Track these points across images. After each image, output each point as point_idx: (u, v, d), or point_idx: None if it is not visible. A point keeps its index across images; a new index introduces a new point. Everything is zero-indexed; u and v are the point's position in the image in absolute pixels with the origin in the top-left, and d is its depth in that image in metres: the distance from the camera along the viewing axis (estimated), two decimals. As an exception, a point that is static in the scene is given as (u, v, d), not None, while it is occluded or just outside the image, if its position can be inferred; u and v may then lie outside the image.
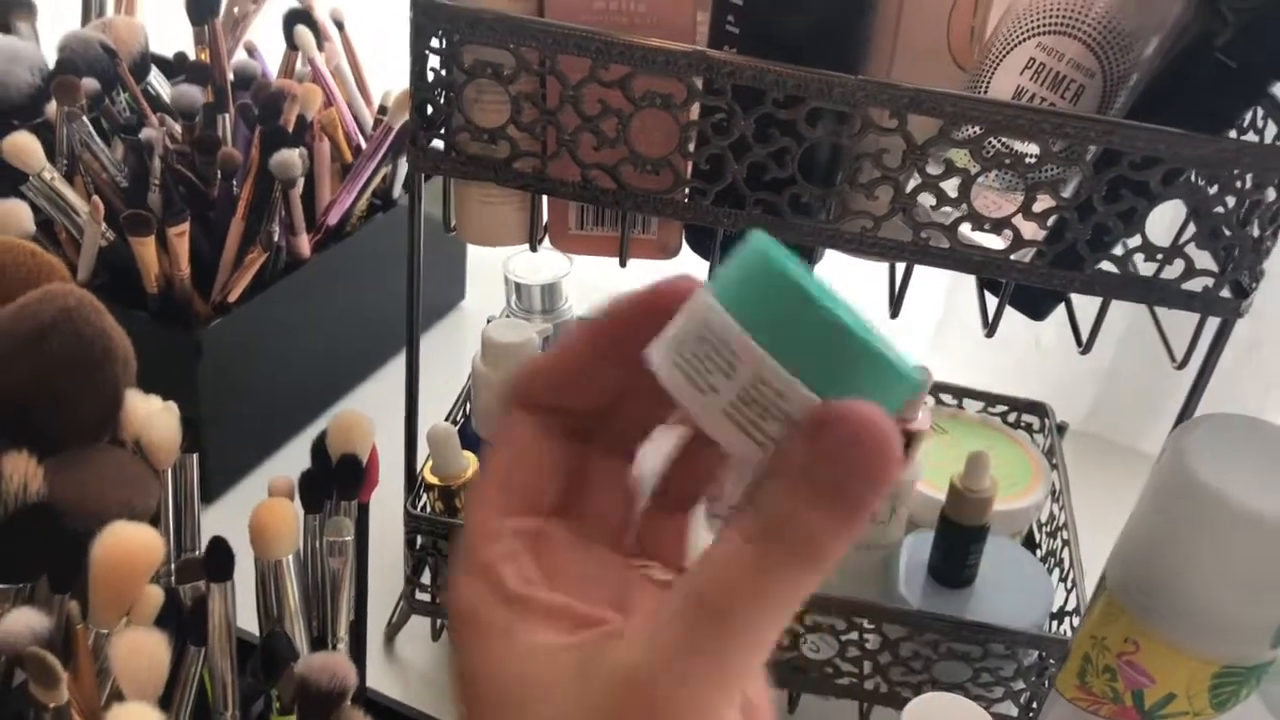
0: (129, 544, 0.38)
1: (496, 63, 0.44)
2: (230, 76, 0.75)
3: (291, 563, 0.43)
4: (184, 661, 0.39)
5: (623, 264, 0.49)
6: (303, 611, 0.44)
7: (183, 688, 0.39)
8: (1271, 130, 0.46)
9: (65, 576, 0.39)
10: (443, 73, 0.45)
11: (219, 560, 0.39)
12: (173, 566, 0.44)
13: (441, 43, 0.44)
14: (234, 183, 0.67)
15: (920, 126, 0.43)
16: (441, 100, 0.45)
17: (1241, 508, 0.36)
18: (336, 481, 0.44)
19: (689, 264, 0.51)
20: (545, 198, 0.49)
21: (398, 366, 0.81)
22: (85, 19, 0.83)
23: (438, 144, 0.47)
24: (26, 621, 0.36)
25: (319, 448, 0.46)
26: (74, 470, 0.44)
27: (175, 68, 0.78)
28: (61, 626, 0.38)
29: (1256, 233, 0.44)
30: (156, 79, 0.78)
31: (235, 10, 0.82)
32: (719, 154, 0.44)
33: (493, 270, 0.71)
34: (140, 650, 0.36)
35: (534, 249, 0.50)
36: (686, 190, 0.46)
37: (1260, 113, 0.47)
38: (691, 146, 0.44)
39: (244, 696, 0.41)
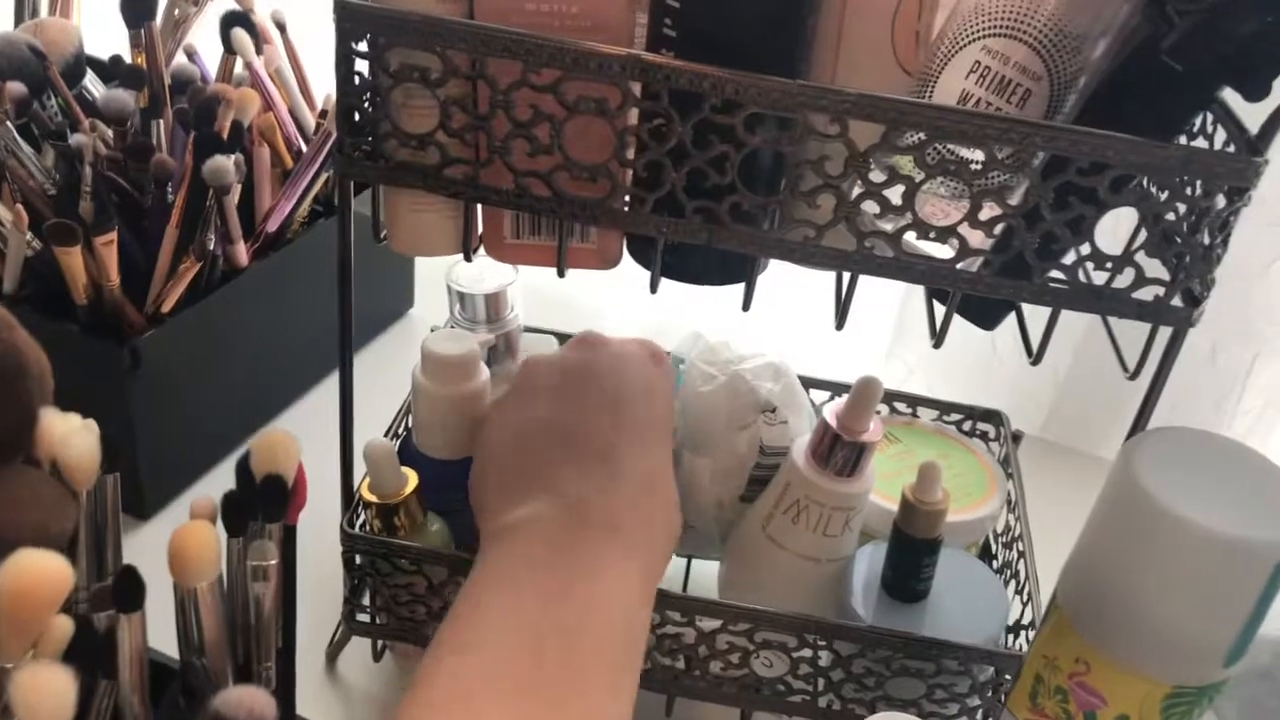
0: (35, 572, 0.36)
1: (424, 66, 0.42)
2: (168, 80, 0.73)
3: (211, 589, 0.41)
4: (95, 695, 0.37)
5: (561, 274, 0.48)
6: (226, 639, 0.42)
7: (93, 722, 0.37)
8: (1221, 136, 0.45)
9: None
10: (368, 77, 0.43)
11: (128, 589, 0.37)
12: (89, 592, 0.42)
13: (368, 46, 0.43)
14: (169, 190, 0.65)
15: (862, 132, 0.41)
16: (368, 105, 0.44)
17: (1192, 523, 0.35)
18: (261, 502, 0.43)
19: (629, 273, 0.49)
20: (479, 206, 0.47)
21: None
22: (18, 20, 0.80)
23: (366, 150, 0.45)
24: (-81, 658, 0.34)
25: (243, 468, 0.44)
26: (-18, 494, 0.42)
27: (111, 72, 0.75)
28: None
29: (1207, 240, 0.43)
30: (92, 82, 0.75)
31: (175, 13, 0.80)
32: (657, 161, 0.43)
33: (442, 278, 0.69)
34: (43, 687, 0.34)
35: (469, 259, 0.48)
36: (626, 198, 0.44)
37: (1210, 118, 0.46)
38: (629, 153, 0.43)
39: (157, 731, 0.39)
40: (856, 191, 0.43)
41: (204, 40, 0.80)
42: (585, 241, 0.48)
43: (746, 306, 0.47)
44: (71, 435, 0.44)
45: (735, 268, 0.47)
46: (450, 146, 0.44)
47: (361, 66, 0.43)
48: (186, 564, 0.40)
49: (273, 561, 0.42)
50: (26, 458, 0.45)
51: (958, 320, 0.49)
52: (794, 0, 0.43)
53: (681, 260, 0.47)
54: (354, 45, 0.43)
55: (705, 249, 0.45)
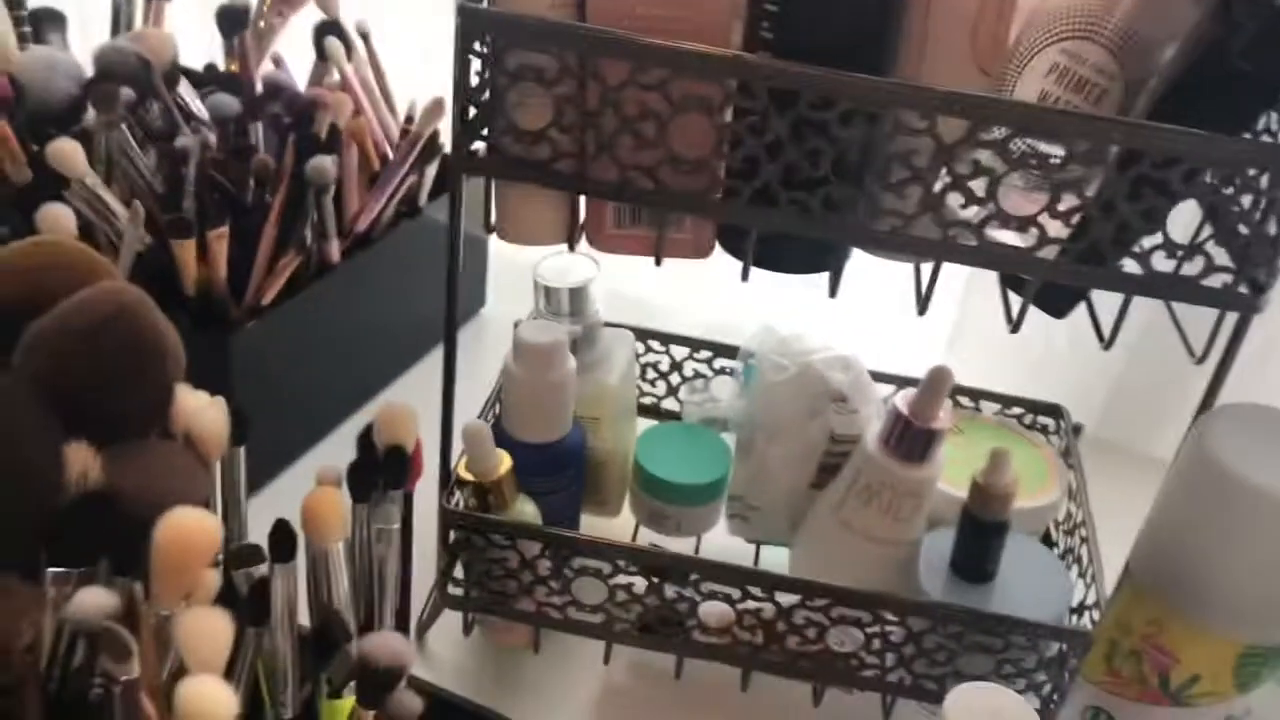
0: (190, 528, 0.40)
1: (539, 66, 0.45)
2: (259, 88, 0.76)
3: (341, 550, 0.44)
4: (241, 644, 0.41)
5: (658, 262, 0.51)
6: (351, 599, 0.45)
7: (240, 671, 0.41)
8: (1285, 133, 0.48)
9: (126, 560, 0.41)
10: (486, 76, 0.46)
11: (282, 542, 0.40)
12: (222, 555, 0.45)
13: (485, 47, 0.46)
14: (265, 190, 0.69)
15: (949, 128, 0.44)
16: (484, 104, 0.47)
17: (1262, 490, 0.38)
18: (383, 471, 0.46)
19: (721, 263, 0.52)
20: (583, 198, 0.50)
21: (424, 370, 0.83)
22: (115, 31, 0.84)
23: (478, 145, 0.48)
24: (96, 599, 0.37)
25: (365, 438, 0.47)
26: (129, 461, 0.45)
27: (204, 79, 0.79)
28: (125, 606, 0.39)
29: (1273, 230, 0.45)
30: (185, 90, 0.79)
31: (261, 24, 0.84)
32: (754, 154, 0.46)
33: (512, 278, 0.73)
34: (205, 627, 0.37)
35: (572, 248, 0.51)
36: (722, 190, 0.47)
37: (1276, 116, 0.49)
38: (727, 148, 0.46)
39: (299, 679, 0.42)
40: (941, 183, 0.45)
41: (284, 49, 0.84)
42: (681, 232, 0.51)
43: (833, 293, 0.50)
44: (203, 410, 0.48)
45: (821, 257, 0.50)
46: (561, 142, 0.47)
47: (477, 66, 0.47)
48: (320, 526, 0.43)
49: (395, 526, 0.45)
50: (163, 431, 0.49)
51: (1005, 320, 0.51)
52: (883, 7, 0.46)
53: (771, 250, 0.50)
54: (473, 46, 0.46)
55: (793, 239, 0.48)
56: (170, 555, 0.40)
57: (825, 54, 0.45)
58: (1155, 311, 0.52)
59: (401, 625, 0.47)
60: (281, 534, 0.40)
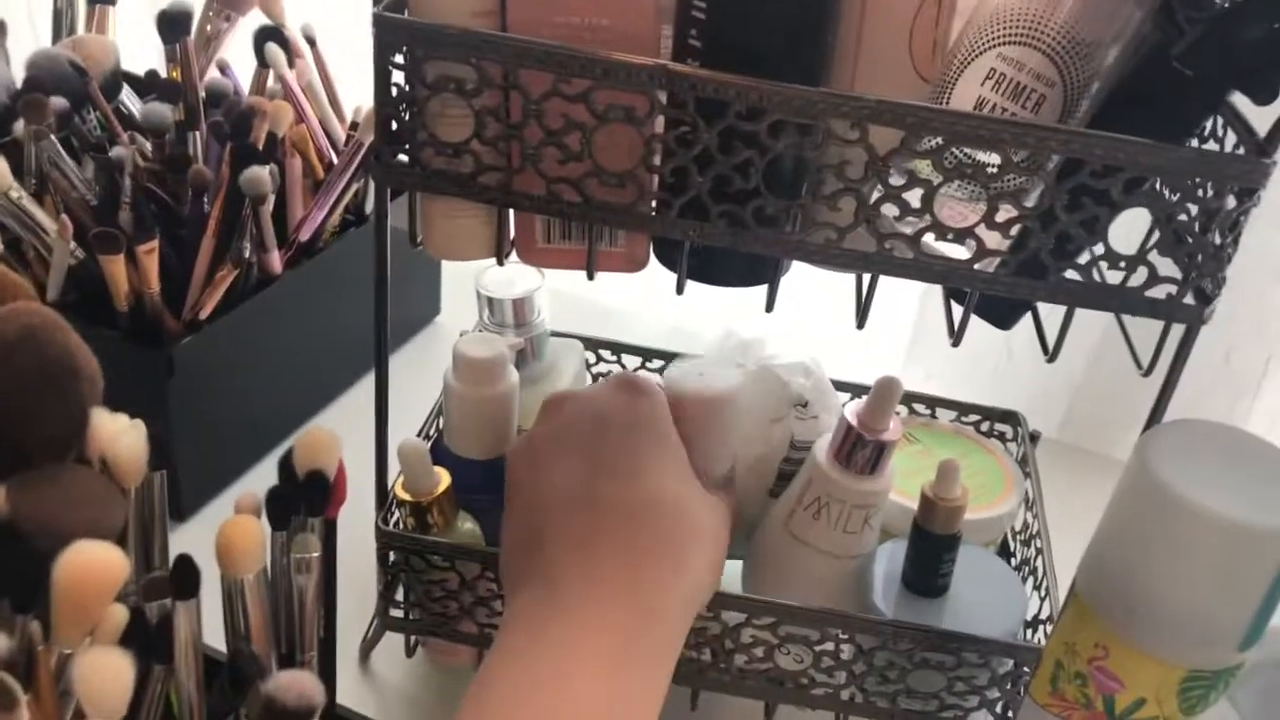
0: (92, 563, 0.38)
1: (459, 77, 0.44)
2: (202, 94, 0.75)
3: (257, 580, 0.43)
4: (149, 681, 0.39)
5: (590, 277, 0.49)
6: (270, 629, 0.44)
7: (148, 708, 0.39)
8: (1231, 139, 0.47)
9: (26, 597, 0.39)
10: (406, 88, 0.45)
11: (184, 577, 0.38)
12: (138, 585, 0.44)
13: (404, 58, 0.44)
14: (205, 200, 0.67)
15: (882, 138, 0.43)
16: (405, 115, 0.45)
17: (1206, 510, 0.37)
18: (303, 498, 0.44)
19: (651, 278, 0.51)
20: (511, 211, 0.49)
21: (372, 382, 0.81)
22: (56, 37, 0.83)
23: (403, 159, 0.47)
24: (-14, 642, 0.35)
25: (286, 464, 0.45)
26: (38, 489, 0.43)
27: (147, 86, 0.78)
28: (23, 647, 0.37)
29: (1218, 240, 0.44)
30: (129, 97, 0.78)
31: (208, 29, 0.82)
32: (683, 166, 0.44)
33: (468, 285, 0.71)
34: (104, 670, 0.36)
35: (501, 263, 0.50)
36: (653, 203, 0.46)
37: (1220, 121, 0.47)
38: (656, 160, 0.45)
39: (211, 715, 0.41)
40: (876, 195, 0.44)
41: (234, 55, 0.82)
42: (614, 246, 0.49)
43: (770, 308, 0.49)
44: (120, 435, 0.46)
45: (759, 270, 0.49)
46: (484, 154, 0.45)
47: (398, 78, 0.45)
48: (234, 556, 0.42)
49: (315, 554, 0.44)
50: (78, 456, 0.47)
51: (974, 325, 0.50)
52: (815, 12, 0.44)
53: (706, 263, 0.49)
54: (392, 58, 0.44)
55: (730, 252, 0.46)
56: (72, 591, 0.38)
57: (756, 62, 0.43)
58: (1112, 317, 0.51)
59: (326, 655, 0.46)
60: (182, 569, 0.39)
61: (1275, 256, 0.73)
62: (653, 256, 0.51)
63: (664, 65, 0.42)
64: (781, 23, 0.44)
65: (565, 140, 0.44)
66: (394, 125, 0.46)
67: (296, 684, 0.37)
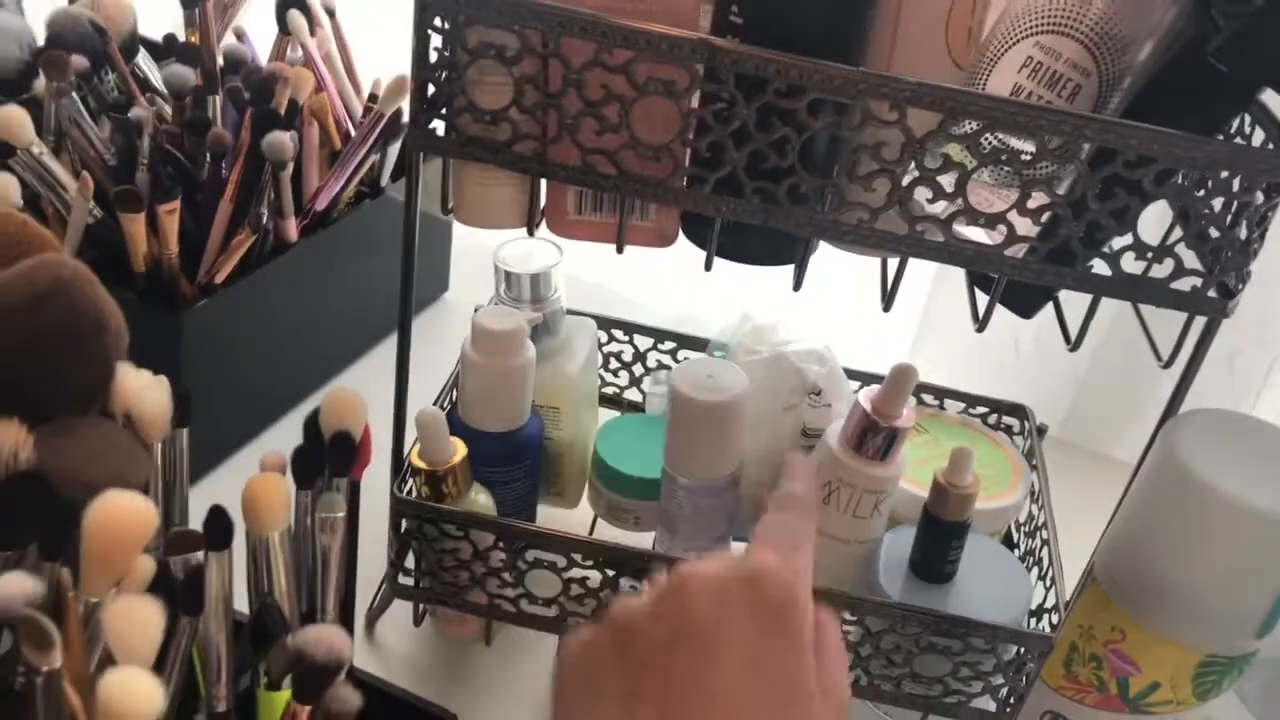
0: (122, 512, 0.38)
1: (500, 44, 0.44)
2: (219, 60, 0.75)
3: (283, 539, 0.43)
4: (175, 633, 0.39)
5: (620, 250, 0.49)
6: (292, 588, 0.44)
7: (172, 660, 0.39)
8: (1259, 136, 0.47)
9: (55, 544, 0.39)
10: (445, 53, 0.45)
11: (218, 529, 0.39)
12: (162, 540, 0.44)
13: (445, 23, 0.44)
14: (222, 165, 0.67)
15: (920, 120, 0.43)
16: (443, 81, 0.45)
17: (1229, 498, 0.37)
18: (329, 458, 0.44)
19: (685, 251, 0.51)
20: (544, 181, 0.49)
21: (381, 353, 0.81)
22: (72, -1, 0.82)
23: (437, 125, 0.47)
24: (20, 585, 0.35)
25: (312, 424, 0.46)
26: (64, 440, 0.43)
27: (164, 50, 0.77)
28: (52, 593, 0.37)
29: (1244, 235, 0.45)
30: (144, 60, 0.77)
31: (225, -5, 0.82)
32: (720, 142, 0.44)
33: (475, 263, 0.71)
34: (134, 616, 0.36)
35: (531, 233, 0.50)
36: (685, 178, 0.46)
37: (1249, 119, 0.48)
38: (692, 134, 0.45)
39: (233, 669, 0.41)
40: (910, 177, 0.44)
41: (249, 23, 0.82)
42: (644, 220, 0.49)
43: (798, 286, 0.49)
44: (145, 390, 0.46)
45: (787, 249, 0.49)
46: (521, 123, 0.45)
47: (436, 42, 0.45)
48: (260, 513, 0.42)
49: (340, 514, 0.44)
50: (102, 410, 0.47)
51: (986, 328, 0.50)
52: (855, -7, 0.45)
53: (736, 240, 0.49)
54: (433, 21, 0.44)
55: (759, 229, 0.47)
56: (101, 540, 0.38)
57: (795, 41, 0.43)
58: (1118, 315, 0.51)
59: (346, 616, 0.46)
60: (217, 521, 0.39)
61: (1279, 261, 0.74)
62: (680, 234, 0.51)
63: (707, 39, 0.43)
64: (822, 3, 0.45)
65: (604, 111, 0.44)
66: (430, 90, 0.46)
67: (326, 638, 0.37)
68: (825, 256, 0.53)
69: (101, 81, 0.71)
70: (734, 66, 0.43)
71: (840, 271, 0.57)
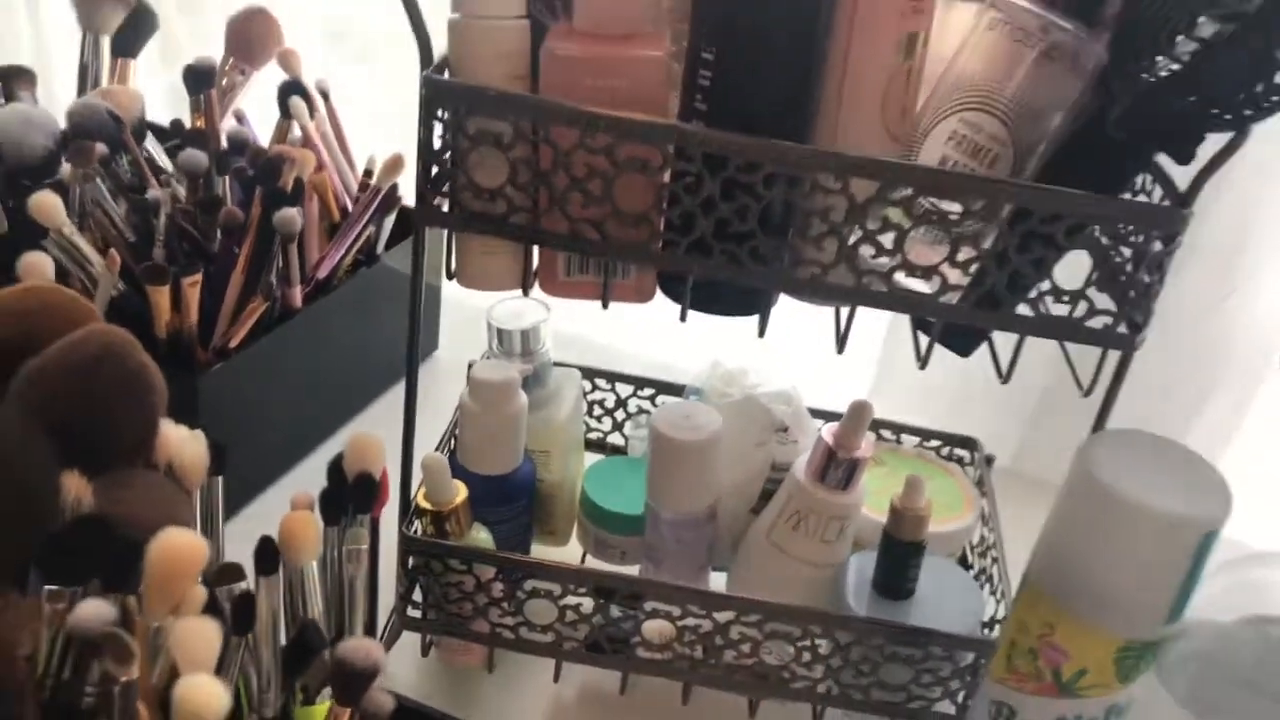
0: (179, 546, 0.44)
1: (497, 131, 0.50)
2: (224, 143, 0.81)
3: (314, 569, 0.48)
4: (227, 651, 0.44)
5: (605, 306, 0.56)
6: (323, 615, 0.50)
7: (228, 674, 0.44)
8: (1158, 193, 0.54)
9: (118, 578, 0.45)
10: (447, 139, 0.51)
11: (266, 556, 0.44)
12: (209, 573, 0.49)
13: (447, 114, 0.51)
14: (231, 239, 0.73)
15: (861, 188, 0.50)
16: (447, 163, 0.52)
17: (1135, 504, 0.44)
18: (353, 496, 0.50)
19: (661, 311, 0.58)
20: (537, 248, 0.55)
21: (380, 409, 0.87)
22: (81, 88, 0.88)
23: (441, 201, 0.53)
24: (98, 610, 0.41)
25: (335, 467, 0.51)
26: (119, 489, 0.49)
27: (170, 133, 0.84)
28: (120, 618, 0.43)
29: (1146, 278, 0.52)
30: (151, 144, 0.84)
31: (224, 82, 0.89)
32: (689, 211, 0.51)
33: (464, 324, 0.77)
34: (197, 632, 0.41)
35: (526, 293, 0.56)
36: (661, 242, 0.52)
37: (1149, 178, 0.55)
38: (666, 204, 0.51)
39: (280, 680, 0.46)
40: (855, 237, 0.51)
41: (247, 106, 0.88)
42: (625, 278, 0.56)
43: (762, 334, 0.56)
44: (184, 443, 0.52)
45: (751, 301, 0.56)
46: (516, 198, 0.52)
47: (438, 130, 0.52)
48: (296, 545, 0.48)
49: (364, 546, 0.50)
50: (146, 462, 0.52)
51: (934, 365, 0.57)
52: (803, 82, 0.52)
53: (706, 294, 0.55)
54: (436, 113, 0.51)
55: (727, 285, 0.53)
56: (162, 570, 0.43)
57: (752, 124, 0.50)
58: (1061, 358, 0.58)
59: (370, 637, 0.51)
60: (266, 549, 0.44)
61: (1208, 295, 0.81)
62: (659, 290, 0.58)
63: (677, 125, 0.49)
64: (775, 91, 0.51)
65: (588, 186, 0.51)
66: (435, 171, 0.53)
67: (363, 648, 0.42)
68: (789, 309, 0.59)
69: (117, 165, 0.77)
70: (700, 147, 0.50)
71: (803, 321, 0.64)
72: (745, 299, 0.56)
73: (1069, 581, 0.46)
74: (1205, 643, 0.57)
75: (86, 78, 0.89)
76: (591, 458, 0.76)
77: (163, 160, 0.81)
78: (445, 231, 0.55)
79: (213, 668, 0.41)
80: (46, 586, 0.44)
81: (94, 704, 0.43)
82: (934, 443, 0.77)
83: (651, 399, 0.78)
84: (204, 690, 0.38)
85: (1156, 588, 0.45)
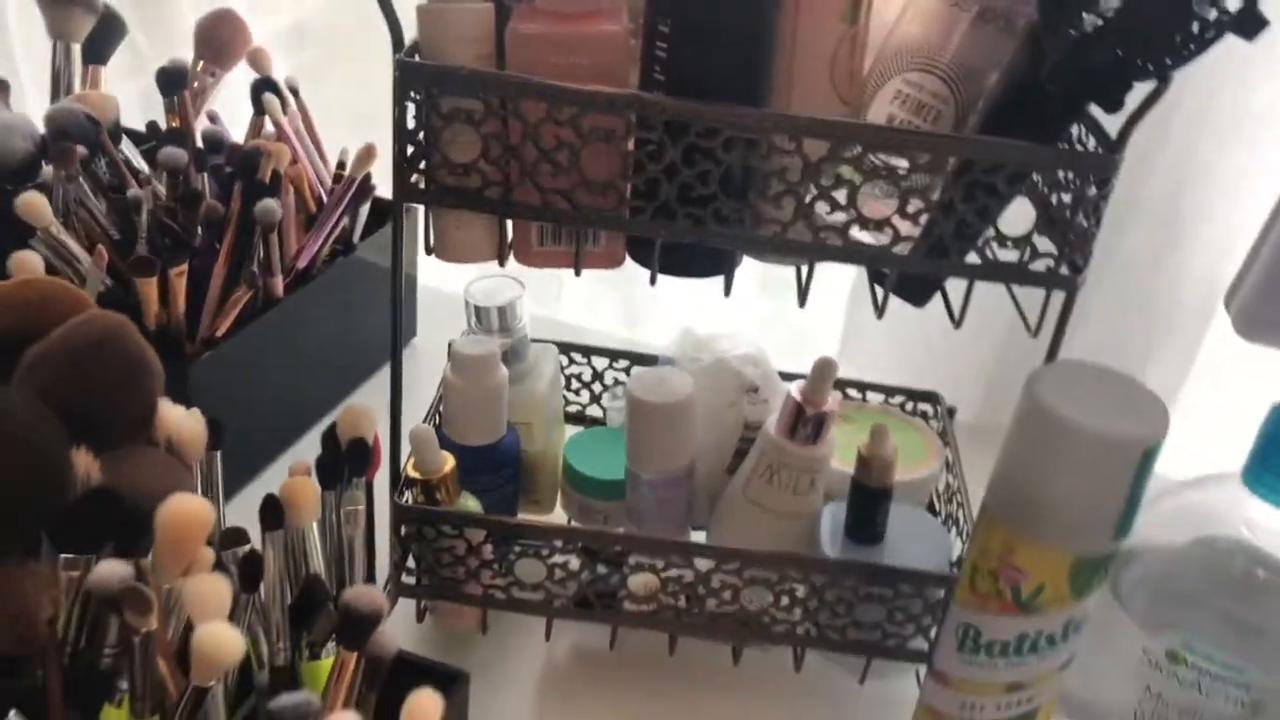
0: (188, 510, 0.46)
1: (469, 109, 0.53)
2: (199, 141, 0.83)
3: (315, 530, 0.51)
4: (236, 610, 0.47)
5: (577, 273, 0.59)
6: (324, 575, 0.52)
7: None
8: (1093, 142, 0.58)
9: (129, 546, 0.47)
10: (421, 119, 0.54)
11: (271, 513, 0.47)
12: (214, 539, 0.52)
13: (420, 95, 0.54)
14: (212, 234, 0.75)
15: (814, 148, 0.53)
16: (421, 142, 0.55)
17: (1079, 427, 0.47)
18: (348, 460, 0.53)
19: (631, 272, 0.61)
20: (509, 220, 0.58)
21: (364, 393, 0.90)
22: (55, 94, 0.90)
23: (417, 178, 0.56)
24: (115, 569, 0.43)
25: (330, 436, 0.54)
26: (124, 464, 0.52)
27: (148, 136, 0.86)
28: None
29: (1085, 222, 0.55)
30: (127, 147, 0.86)
31: (195, 84, 0.91)
32: (654, 177, 0.54)
33: (440, 313, 0.79)
34: (209, 587, 0.44)
35: (502, 264, 0.59)
36: (629, 208, 0.55)
37: (1083, 128, 0.59)
38: (631, 172, 0.54)
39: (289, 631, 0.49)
40: (811, 195, 0.54)
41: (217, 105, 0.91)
42: (596, 246, 0.59)
43: (728, 292, 0.59)
44: (183, 421, 0.55)
45: (715, 262, 0.59)
46: (489, 172, 0.55)
47: (411, 111, 0.54)
48: (297, 507, 0.50)
49: (361, 507, 0.52)
50: (147, 439, 0.55)
51: (897, 330, 0.60)
52: (755, 51, 0.55)
53: (672, 258, 0.59)
54: (410, 95, 0.54)
55: (692, 247, 0.56)
56: (172, 533, 0.46)
57: (708, 91, 0.53)
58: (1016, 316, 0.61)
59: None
60: (270, 506, 0.47)
61: (1151, 254, 0.85)
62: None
63: (638, 95, 0.52)
64: (729, 60, 0.55)
65: (557, 157, 0.54)
66: (410, 150, 0.55)
67: (366, 594, 0.45)
68: (757, 276, 0.62)
69: (96, 167, 0.79)
70: (661, 115, 0.53)
71: (769, 291, 0.67)
72: (710, 261, 0.59)
73: (1023, 505, 0.50)
74: (1158, 565, 0.61)
75: (59, 84, 0.91)
76: (572, 430, 0.78)
77: (139, 162, 0.84)
78: (422, 210, 0.58)
79: (224, 617, 0.44)
80: (63, 555, 0.47)
81: (112, 664, 0.46)
82: (898, 399, 0.81)
83: (626, 370, 0.81)
84: (222, 635, 0.41)
85: (1103, 504, 0.48)
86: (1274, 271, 0.73)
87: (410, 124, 0.55)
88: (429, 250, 0.59)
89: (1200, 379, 0.91)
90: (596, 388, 0.82)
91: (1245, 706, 0.54)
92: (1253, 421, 0.56)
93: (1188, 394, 0.91)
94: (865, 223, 0.55)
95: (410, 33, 0.55)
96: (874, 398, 0.81)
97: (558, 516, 0.76)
